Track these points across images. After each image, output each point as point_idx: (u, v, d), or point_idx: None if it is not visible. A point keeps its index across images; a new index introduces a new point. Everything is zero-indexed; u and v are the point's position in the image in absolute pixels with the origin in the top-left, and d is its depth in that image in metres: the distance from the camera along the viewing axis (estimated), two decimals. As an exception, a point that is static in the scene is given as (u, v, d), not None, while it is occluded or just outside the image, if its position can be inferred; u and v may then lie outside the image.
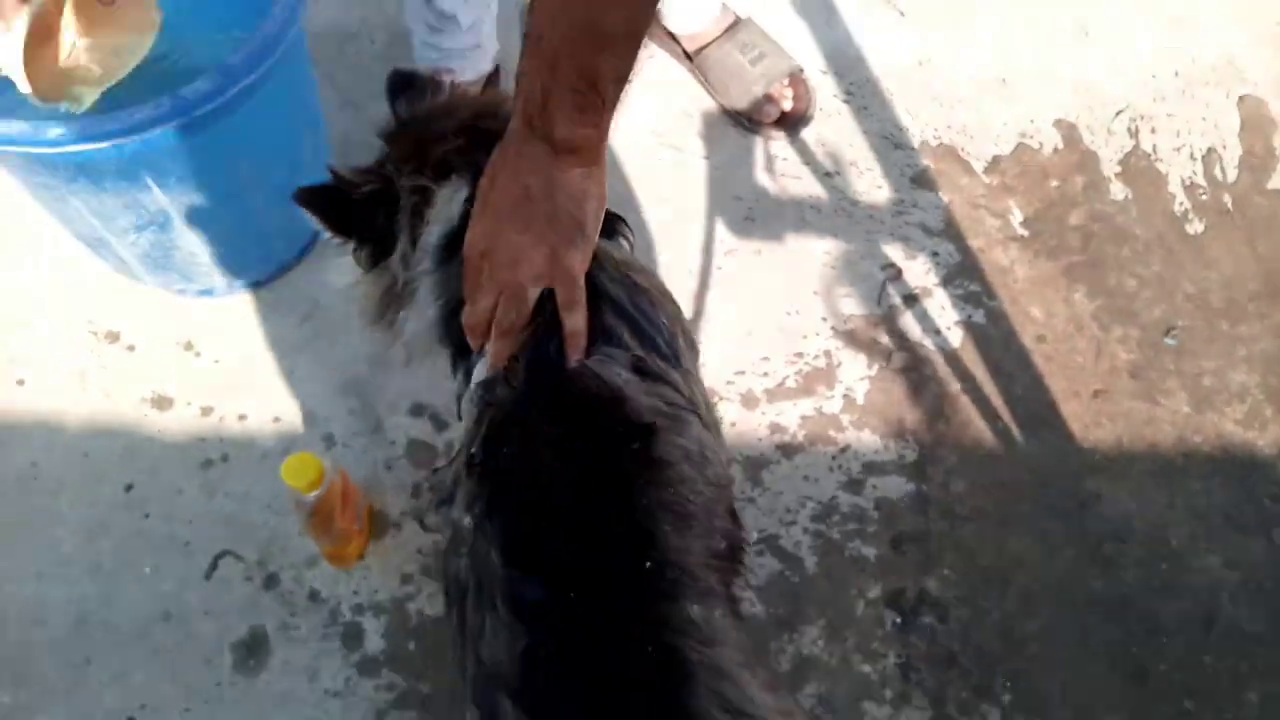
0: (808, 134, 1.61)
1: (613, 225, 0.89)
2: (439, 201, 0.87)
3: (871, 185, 1.59)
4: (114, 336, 1.36)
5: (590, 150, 0.76)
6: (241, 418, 1.30)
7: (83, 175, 1.11)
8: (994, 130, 1.64)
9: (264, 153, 1.25)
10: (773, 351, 1.43)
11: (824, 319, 1.46)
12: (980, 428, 1.38)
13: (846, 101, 1.67)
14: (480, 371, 0.84)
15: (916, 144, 1.62)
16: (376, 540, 1.23)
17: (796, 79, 1.60)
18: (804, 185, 1.58)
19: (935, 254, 1.53)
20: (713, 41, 1.59)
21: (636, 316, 0.85)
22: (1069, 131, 1.64)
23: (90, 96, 1.08)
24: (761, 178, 1.59)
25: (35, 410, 1.31)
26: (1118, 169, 1.60)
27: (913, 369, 1.42)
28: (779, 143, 1.60)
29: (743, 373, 1.41)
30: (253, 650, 1.17)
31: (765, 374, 1.42)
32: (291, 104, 1.27)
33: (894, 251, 1.53)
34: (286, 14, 1.11)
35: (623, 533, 0.74)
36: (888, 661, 1.23)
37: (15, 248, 1.42)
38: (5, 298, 1.39)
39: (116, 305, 1.39)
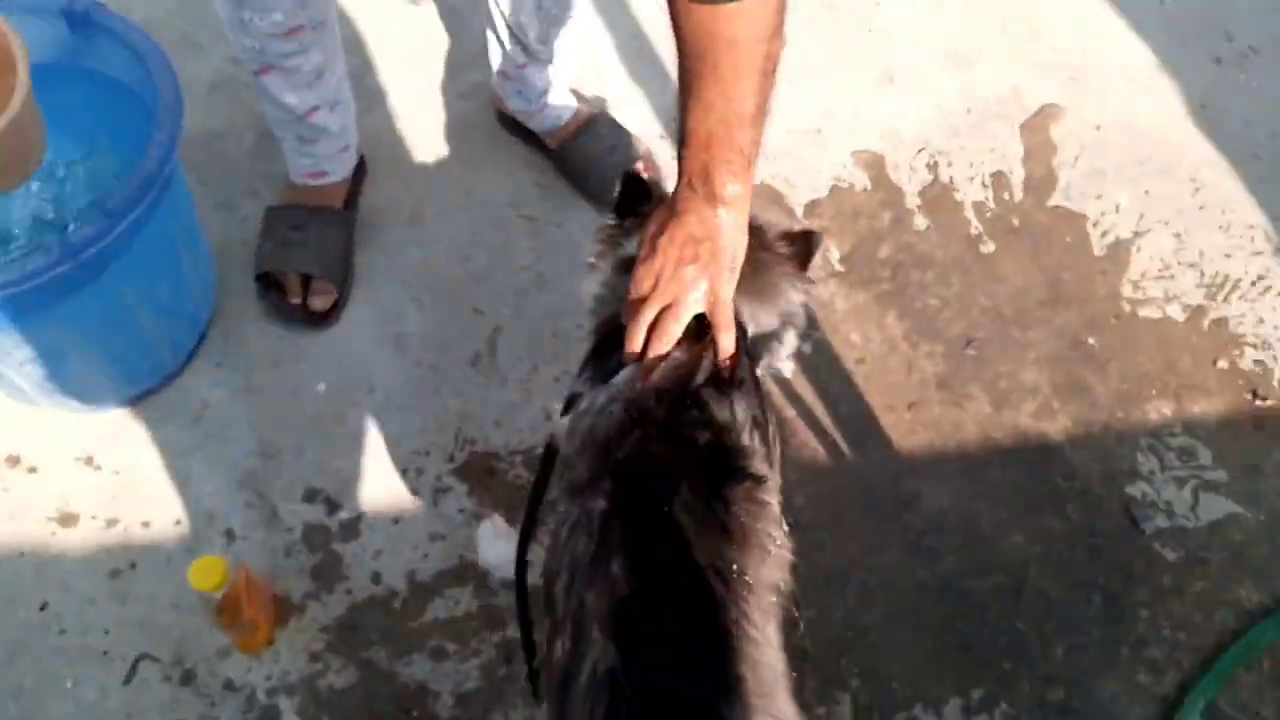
0: (648, 196, 1.81)
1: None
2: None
3: (706, 237, 1.79)
4: (14, 460, 1.49)
5: (741, 201, 1.01)
6: (145, 525, 1.44)
7: (-27, 317, 1.23)
8: (811, 177, 1.86)
9: (149, 277, 1.39)
10: (630, 400, 1.63)
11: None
12: (814, 446, 1.60)
13: (679, 161, 1.87)
14: (624, 376, 1.01)
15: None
16: (282, 625, 1.39)
17: (649, 162, 1.80)
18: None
19: (769, 295, 1.75)
20: (570, 137, 1.77)
21: (761, 399, 1.07)
22: (877, 172, 1.88)
23: None
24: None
25: (-54, 539, 1.42)
26: (919, 201, 1.84)
27: (753, 403, 1.63)
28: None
29: (605, 423, 1.60)
30: (179, 744, 1.32)
31: (625, 422, 1.61)
32: (172, 227, 1.40)
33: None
34: (163, 150, 1.23)
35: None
36: (751, 665, 1.43)
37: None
38: (-95, 434, 1.50)
39: (14, 429, 1.51)
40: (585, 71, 1.93)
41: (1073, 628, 1.48)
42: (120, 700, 1.33)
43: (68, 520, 1.45)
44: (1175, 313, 1.74)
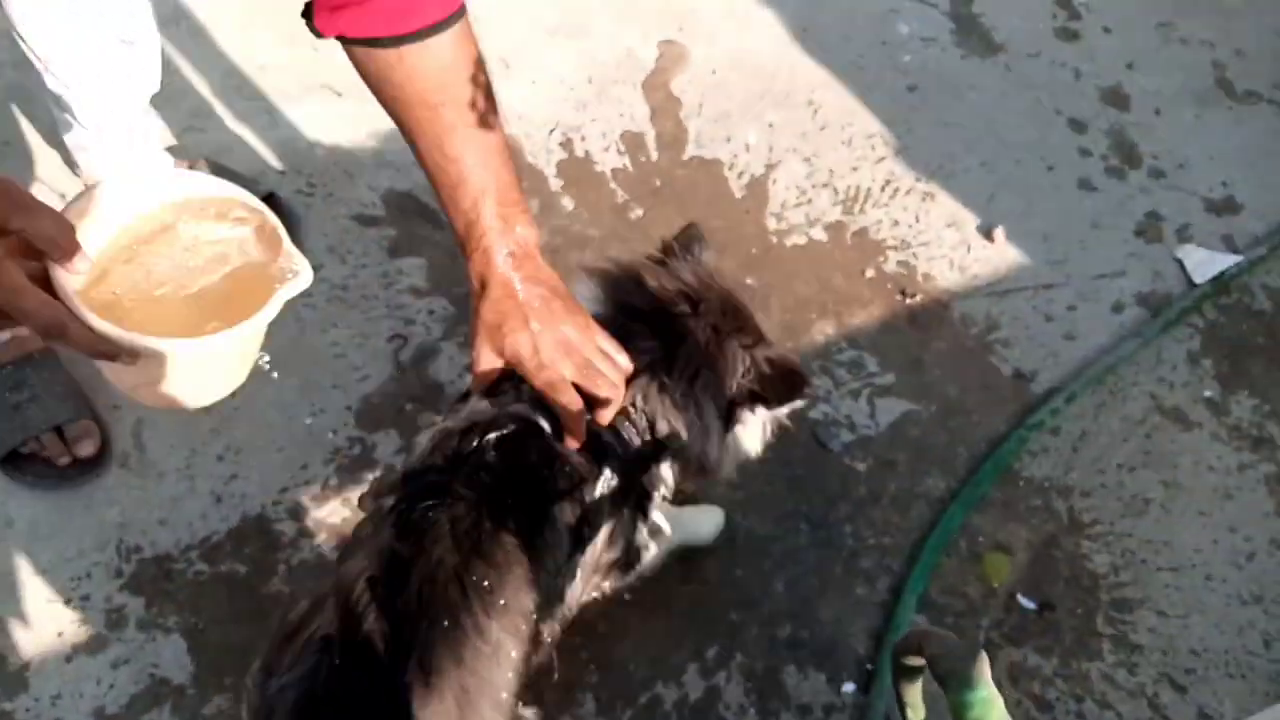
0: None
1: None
2: None
3: (356, 267, 1.73)
4: None
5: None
6: None
7: None
8: (450, 179, 1.83)
9: None
10: (309, 458, 1.56)
11: (348, 407, 1.60)
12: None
13: (311, 194, 1.80)
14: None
15: (384, 214, 1.79)
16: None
17: (271, 204, 1.70)
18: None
19: (431, 311, 1.71)
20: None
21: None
22: (516, 160, 1.86)
23: None
24: (249, 295, 1.69)
25: None
26: (561, 181, 1.85)
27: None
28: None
29: (286, 489, 1.53)
30: None
31: (307, 482, 1.54)
32: None
33: (394, 322, 1.69)
34: None
35: None
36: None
37: None
38: None
39: None
40: (183, 122, 1.82)
41: (788, 560, 1.55)
42: None
43: None
44: (819, 234, 1.84)
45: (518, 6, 2.04)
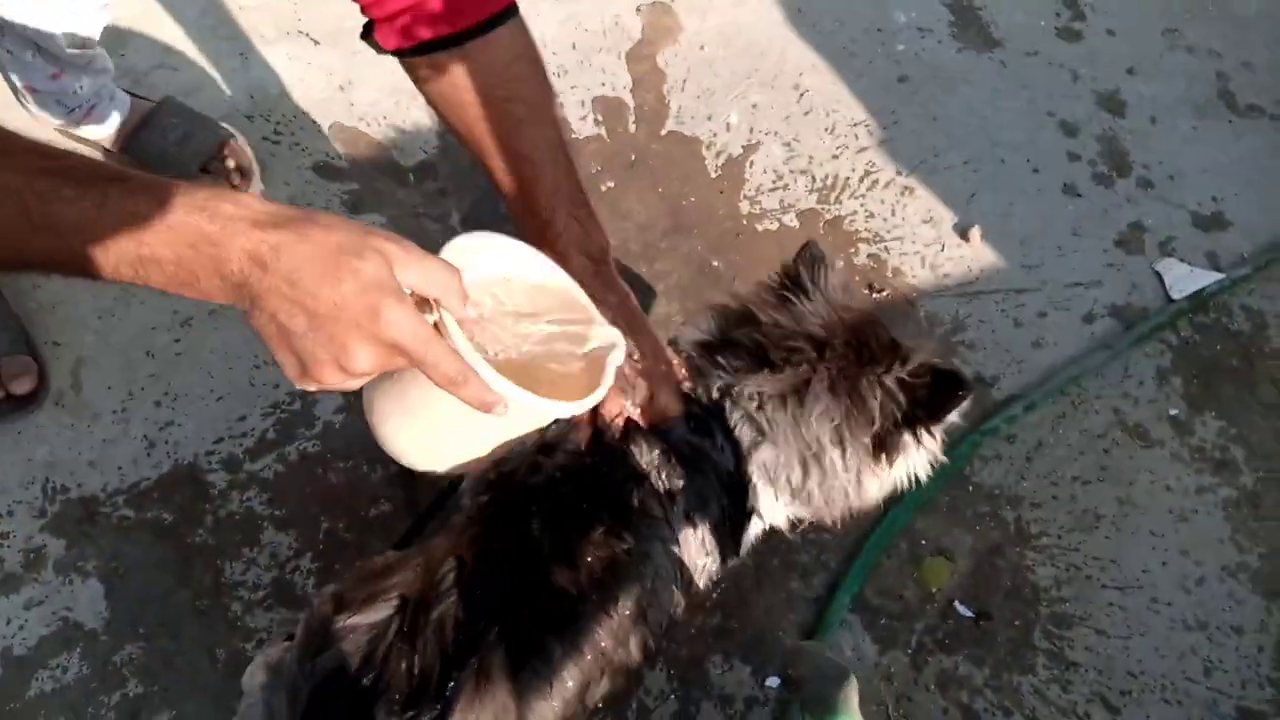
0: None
1: None
2: None
3: (314, 219, 1.71)
4: None
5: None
6: None
7: None
8: (420, 137, 1.81)
9: None
10: (248, 410, 1.55)
11: (293, 362, 1.59)
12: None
13: (277, 142, 1.78)
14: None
15: (348, 168, 1.77)
16: None
17: (230, 146, 1.68)
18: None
19: (386, 270, 1.69)
20: (131, 135, 1.63)
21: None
22: (488, 121, 1.84)
23: None
24: (203, 240, 1.67)
25: None
26: (533, 148, 1.83)
27: (380, 387, 1.58)
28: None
29: (221, 439, 1.52)
30: None
31: (244, 434, 1.53)
32: None
33: (348, 278, 1.67)
34: None
35: None
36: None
37: None
38: None
39: None
40: (154, 59, 1.80)
41: (725, 549, 1.54)
42: None
43: None
44: (791, 221, 1.82)
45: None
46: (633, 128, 1.88)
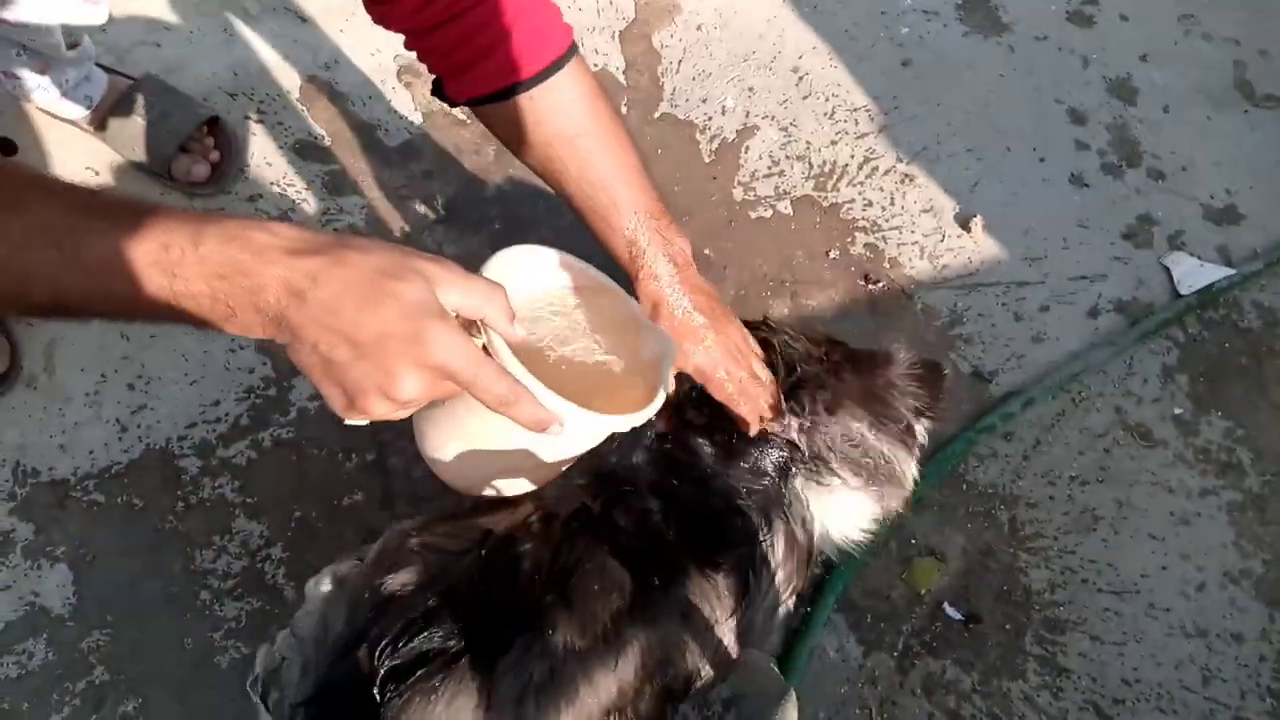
0: (223, 162, 1.70)
1: None
2: None
3: (297, 199, 1.70)
4: None
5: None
6: None
7: None
8: (405, 119, 1.79)
9: None
10: (222, 395, 1.53)
11: (267, 346, 1.57)
12: (430, 411, 1.55)
13: (260, 120, 1.76)
14: None
15: (332, 148, 1.75)
16: None
17: (210, 125, 1.67)
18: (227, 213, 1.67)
19: (368, 254, 1.67)
20: (109, 111, 1.62)
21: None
22: (477, 102, 1.82)
23: None
24: (182, 220, 1.66)
25: None
26: (522, 130, 1.80)
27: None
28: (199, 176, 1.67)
29: (194, 424, 1.50)
30: None
31: (217, 419, 1.51)
32: None
33: (329, 261, 1.65)
34: None
35: None
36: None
37: None
38: None
39: None
40: (136, 36, 1.78)
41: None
42: None
43: None
44: (785, 208, 1.79)
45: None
46: (625, 110, 1.85)
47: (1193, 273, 1.77)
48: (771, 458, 1.12)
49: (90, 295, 0.69)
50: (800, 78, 1.92)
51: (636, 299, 1.08)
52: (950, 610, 1.48)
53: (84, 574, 1.40)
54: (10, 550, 1.40)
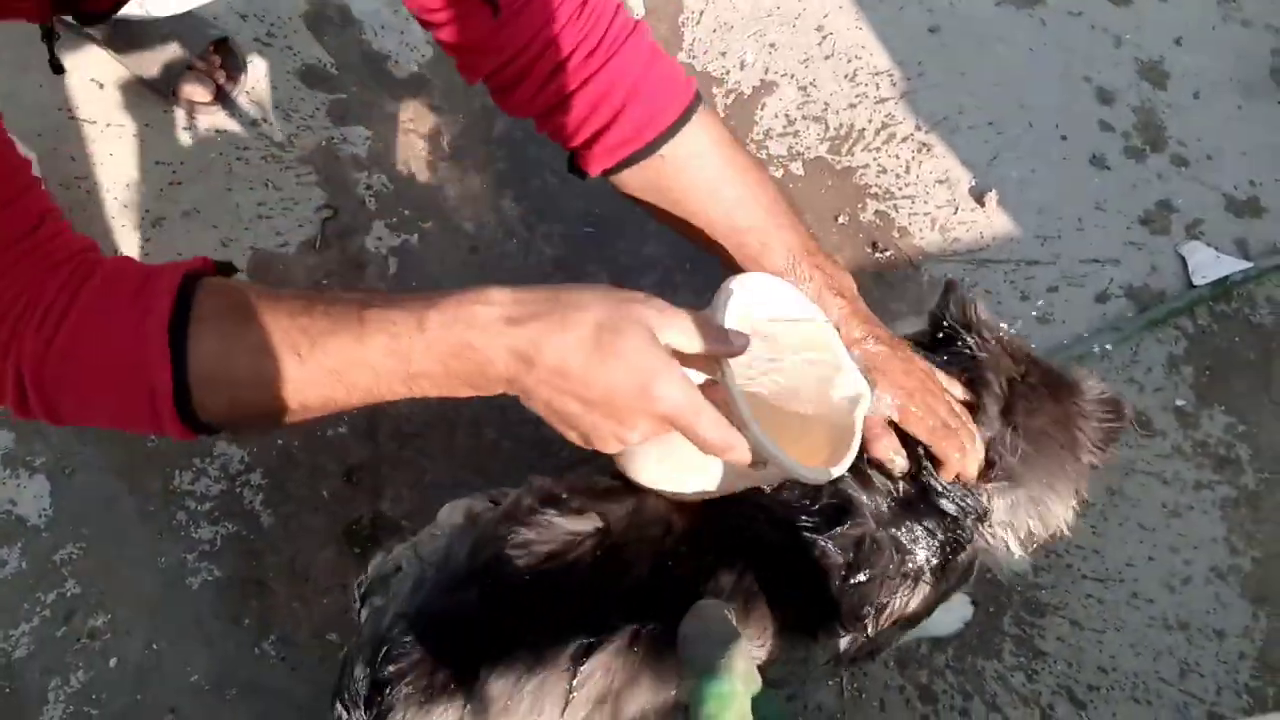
0: (229, 82, 1.69)
1: None
2: None
3: (300, 126, 1.69)
4: None
5: None
6: None
7: None
8: (417, 49, 1.78)
9: None
10: (213, 316, 1.53)
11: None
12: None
13: (269, 44, 1.75)
14: None
15: (338, 75, 1.73)
16: None
17: (220, 46, 1.65)
18: (230, 138, 1.66)
19: (369, 186, 1.67)
20: (117, 27, 1.60)
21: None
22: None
23: None
24: (183, 137, 1.65)
25: None
26: (535, 71, 1.78)
27: (351, 306, 1.57)
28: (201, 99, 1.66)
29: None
30: None
31: (206, 341, 1.51)
32: None
33: (327, 191, 1.65)
34: None
35: None
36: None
37: None
38: None
39: None
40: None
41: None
42: None
43: None
44: (798, 169, 1.77)
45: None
46: (642, 58, 1.83)
47: (1208, 263, 1.75)
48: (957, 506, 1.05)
49: (331, 395, 0.77)
50: (824, 37, 1.90)
51: None
52: (930, 585, 1.48)
53: (62, 486, 1.41)
54: (-10, 456, 1.41)
